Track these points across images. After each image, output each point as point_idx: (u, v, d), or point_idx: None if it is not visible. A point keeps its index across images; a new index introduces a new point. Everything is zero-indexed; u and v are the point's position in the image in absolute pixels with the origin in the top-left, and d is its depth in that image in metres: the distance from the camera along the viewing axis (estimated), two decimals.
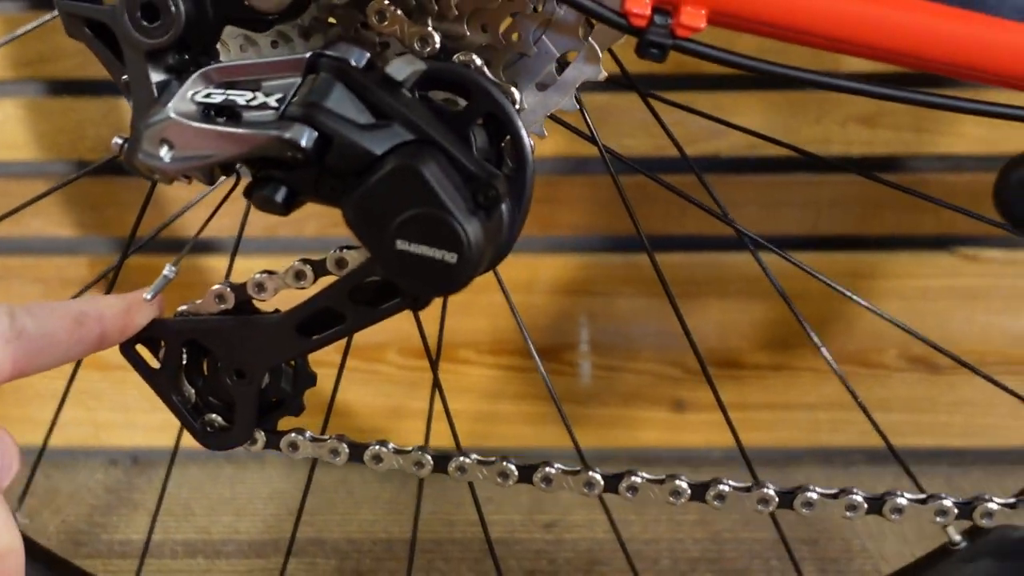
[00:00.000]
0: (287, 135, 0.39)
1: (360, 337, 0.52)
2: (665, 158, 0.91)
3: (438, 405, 0.66)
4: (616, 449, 1.11)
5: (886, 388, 1.08)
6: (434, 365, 0.65)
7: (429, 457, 0.57)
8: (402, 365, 1.09)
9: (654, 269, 0.64)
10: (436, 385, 0.64)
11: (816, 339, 0.71)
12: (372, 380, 1.09)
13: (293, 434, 0.55)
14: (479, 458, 0.57)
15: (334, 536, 0.98)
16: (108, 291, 0.69)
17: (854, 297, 0.64)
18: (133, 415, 1.12)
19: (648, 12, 0.40)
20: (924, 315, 1.04)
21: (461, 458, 0.57)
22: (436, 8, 0.46)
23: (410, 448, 0.57)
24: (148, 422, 1.11)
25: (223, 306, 0.51)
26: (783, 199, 1.02)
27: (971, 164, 0.96)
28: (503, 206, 0.42)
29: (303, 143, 0.38)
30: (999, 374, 1.05)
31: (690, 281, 1.04)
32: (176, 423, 0.54)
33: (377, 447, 0.56)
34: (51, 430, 0.77)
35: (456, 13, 0.47)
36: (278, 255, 1.00)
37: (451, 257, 0.39)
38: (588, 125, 0.55)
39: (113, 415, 1.13)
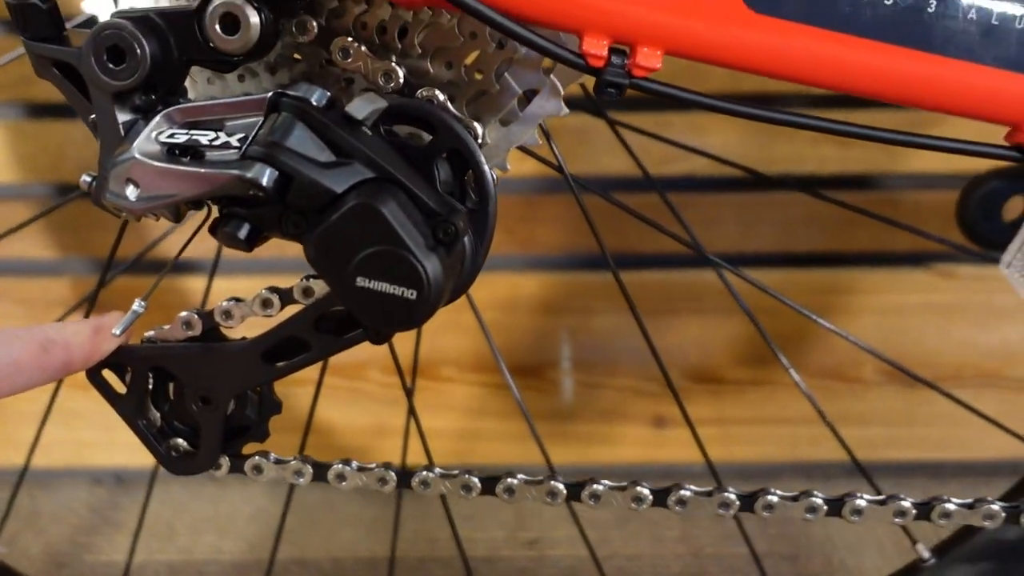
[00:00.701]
0: (248, 175, 0.39)
1: (341, 355, 0.53)
2: (642, 178, 0.92)
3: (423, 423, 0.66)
4: (597, 465, 1.11)
5: (863, 402, 1.09)
6: (409, 391, 0.66)
7: (392, 473, 0.57)
8: (384, 383, 1.09)
9: (619, 286, 0.65)
10: (411, 412, 0.65)
11: (784, 359, 0.73)
12: (354, 398, 1.09)
13: (257, 457, 0.55)
14: (442, 471, 0.58)
15: (317, 555, 0.99)
16: (87, 314, 0.69)
17: (814, 317, 0.65)
18: (116, 434, 1.10)
19: (605, 53, 0.41)
20: (901, 331, 1.05)
21: (424, 472, 0.57)
22: (399, 46, 0.47)
23: (373, 465, 0.58)
24: (131, 441, 1.10)
25: (190, 333, 0.51)
26: (759, 217, 1.03)
27: (942, 182, 0.98)
28: (464, 240, 0.42)
29: (264, 182, 0.39)
30: (975, 387, 1.07)
31: (669, 298, 1.05)
32: None
33: (340, 466, 0.57)
34: (33, 450, 0.78)
35: (419, 51, 0.48)
36: (260, 276, 1.01)
37: (411, 294, 0.40)
38: (555, 154, 0.56)
39: (96, 434, 1.13)
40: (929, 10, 0.40)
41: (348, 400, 1.09)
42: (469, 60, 0.49)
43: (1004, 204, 0.63)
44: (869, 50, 0.41)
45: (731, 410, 1.09)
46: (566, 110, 0.50)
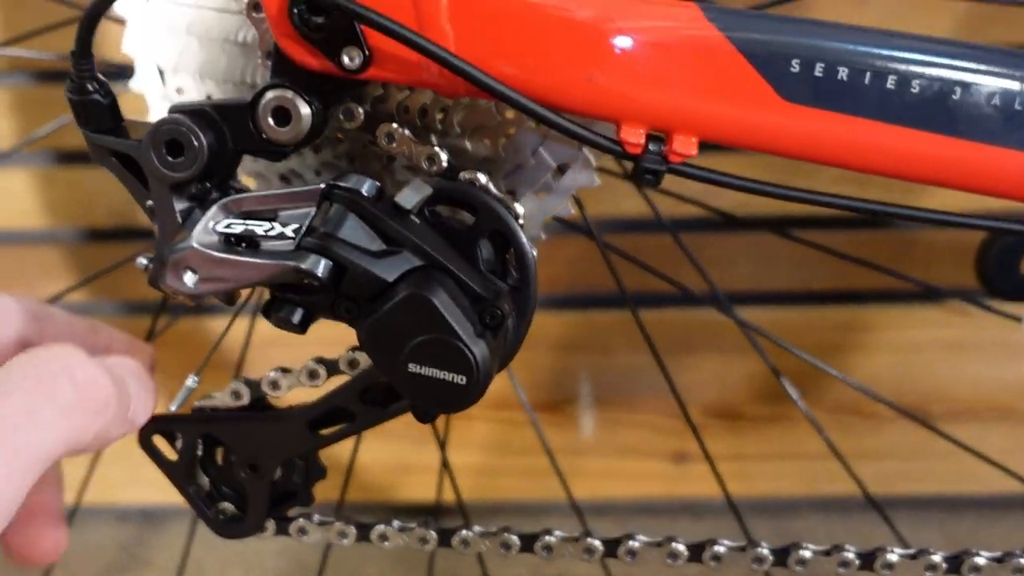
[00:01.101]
0: (304, 266, 0.41)
1: None
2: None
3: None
4: (616, 500, 1.13)
5: (879, 437, 1.10)
6: (442, 443, 0.67)
7: (433, 533, 0.59)
8: (408, 421, 1.10)
9: (637, 324, 0.67)
10: (444, 464, 0.66)
11: (794, 394, 0.74)
12: (380, 435, 1.10)
13: (301, 520, 0.57)
14: (481, 530, 0.59)
15: None
16: None
17: (815, 361, 0.66)
18: (142, 471, 1.13)
19: (642, 141, 0.43)
20: (915, 367, 1.06)
21: (464, 532, 0.59)
22: (440, 127, 0.49)
23: (414, 525, 0.59)
24: (158, 478, 1.12)
25: (239, 402, 0.53)
26: (776, 255, 1.04)
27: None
28: (508, 321, 0.44)
29: (319, 273, 0.41)
30: (989, 422, 1.08)
31: (687, 335, 1.07)
32: None
33: (382, 527, 0.58)
34: None
35: (459, 130, 0.49)
36: None
37: (460, 379, 0.41)
38: (586, 221, 0.57)
39: (121, 471, 1.14)
40: (954, 97, 0.42)
41: (373, 436, 1.10)
42: (505, 137, 0.50)
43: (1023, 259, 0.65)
44: (896, 135, 0.43)
45: (750, 446, 1.11)
46: (598, 181, 0.52)
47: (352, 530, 0.58)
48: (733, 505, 0.69)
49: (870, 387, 1.07)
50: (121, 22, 0.51)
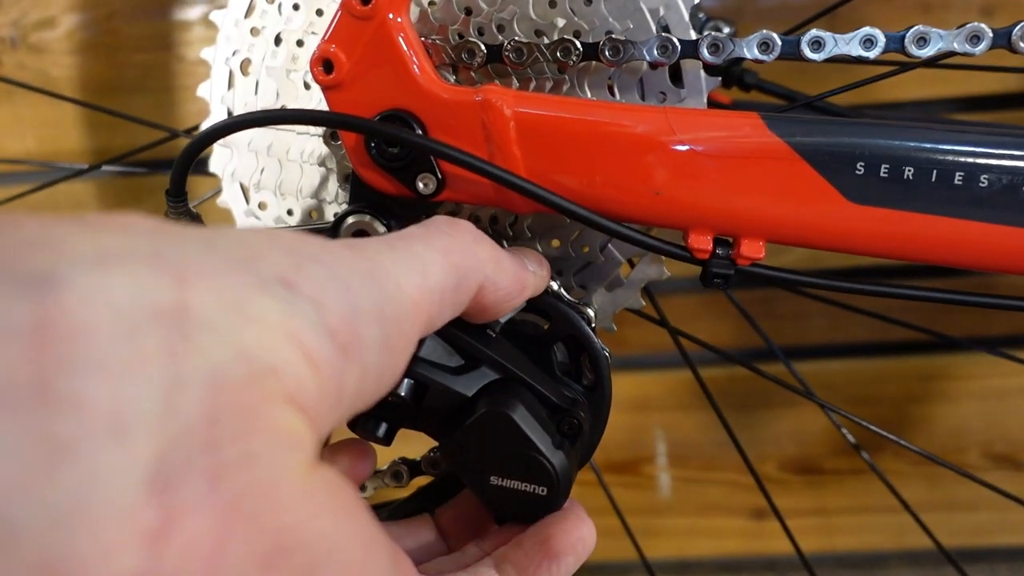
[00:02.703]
0: None
1: None
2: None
3: None
4: (699, 558, 1.12)
5: (970, 488, 1.06)
6: None
7: None
8: None
9: (699, 384, 0.67)
10: None
11: (867, 458, 0.73)
12: None
13: None
14: None
15: None
16: None
17: (869, 425, 0.65)
18: None
19: (710, 246, 0.44)
20: (1003, 415, 1.03)
21: None
22: (511, 233, 0.51)
23: None
24: None
25: None
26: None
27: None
28: (585, 426, 0.45)
29: (402, 393, 0.42)
30: None
31: (763, 391, 1.06)
32: None
33: None
34: None
35: (529, 234, 0.51)
36: None
37: (542, 491, 0.42)
38: (658, 311, 0.58)
39: None
40: None
41: None
42: (574, 236, 0.52)
43: None
44: (966, 229, 0.43)
45: (832, 500, 1.09)
46: (667, 273, 0.53)
47: None
48: (806, 562, 0.68)
49: (955, 436, 1.05)
50: None
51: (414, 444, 0.51)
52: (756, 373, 0.69)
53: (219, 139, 0.44)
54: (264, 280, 0.25)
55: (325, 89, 0.44)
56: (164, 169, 0.61)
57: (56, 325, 0.20)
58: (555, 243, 0.52)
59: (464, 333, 0.44)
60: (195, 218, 0.46)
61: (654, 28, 0.47)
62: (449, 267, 0.34)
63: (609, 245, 0.52)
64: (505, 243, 0.51)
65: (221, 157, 0.54)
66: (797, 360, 1.04)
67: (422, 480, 0.52)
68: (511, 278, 0.39)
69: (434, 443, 0.49)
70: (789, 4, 0.88)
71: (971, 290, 0.47)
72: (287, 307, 0.25)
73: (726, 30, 0.47)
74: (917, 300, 0.46)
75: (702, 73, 0.48)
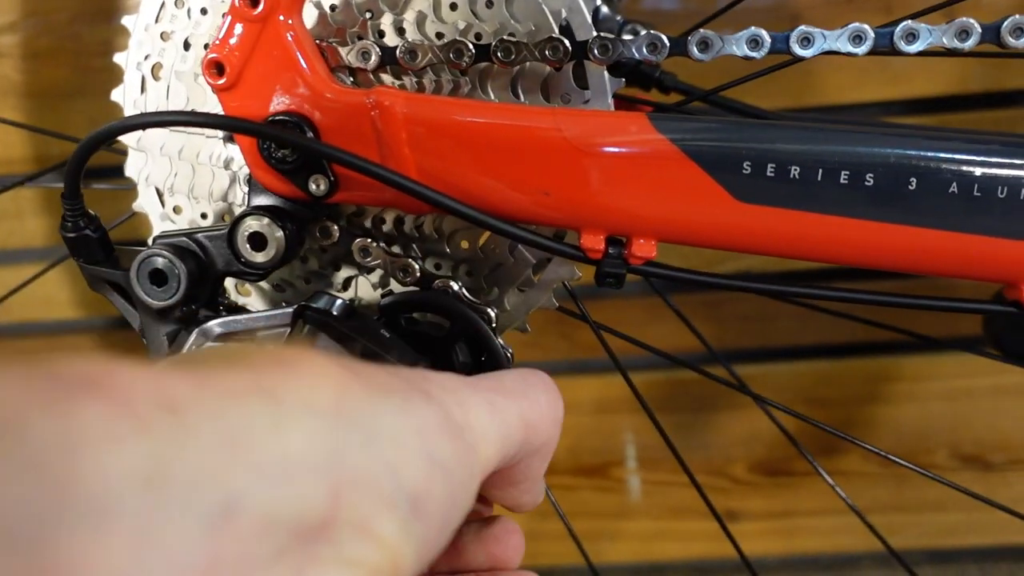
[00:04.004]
0: None
1: None
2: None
3: None
4: (669, 561, 1.11)
5: (939, 488, 1.05)
6: None
7: None
8: None
9: (633, 393, 0.66)
10: None
11: (809, 457, 0.73)
12: None
13: None
14: None
15: None
16: None
17: (824, 426, 0.65)
18: None
19: (602, 246, 0.44)
20: (971, 414, 1.02)
21: None
22: (417, 235, 0.51)
23: None
24: None
25: None
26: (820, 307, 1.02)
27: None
28: None
29: None
30: None
31: (729, 393, 1.05)
32: None
33: None
34: None
35: (436, 236, 0.51)
36: None
37: None
38: (580, 308, 0.58)
39: None
40: (910, 187, 0.41)
41: None
42: (483, 238, 0.52)
43: None
44: (853, 228, 0.42)
45: (803, 502, 1.08)
46: (579, 274, 0.52)
47: None
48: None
49: (922, 436, 1.04)
50: (123, 151, 0.55)
51: None
52: (697, 373, 0.69)
53: (110, 140, 0.44)
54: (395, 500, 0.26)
55: (217, 92, 0.44)
56: (95, 177, 0.61)
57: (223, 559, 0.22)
58: (464, 244, 0.52)
59: (356, 333, 0.44)
60: (92, 220, 0.46)
61: (556, 30, 0.47)
62: (520, 442, 0.34)
63: (519, 247, 0.52)
64: (414, 245, 0.51)
65: (136, 162, 0.54)
66: (763, 362, 1.04)
67: None
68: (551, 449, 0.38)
69: None
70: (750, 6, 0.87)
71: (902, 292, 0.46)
72: (404, 535, 0.27)
73: (642, 32, 0.47)
74: (839, 301, 0.46)
75: (606, 75, 0.48)
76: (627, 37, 0.46)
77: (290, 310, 0.45)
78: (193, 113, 0.49)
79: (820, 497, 1.08)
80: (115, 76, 0.90)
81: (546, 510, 1.12)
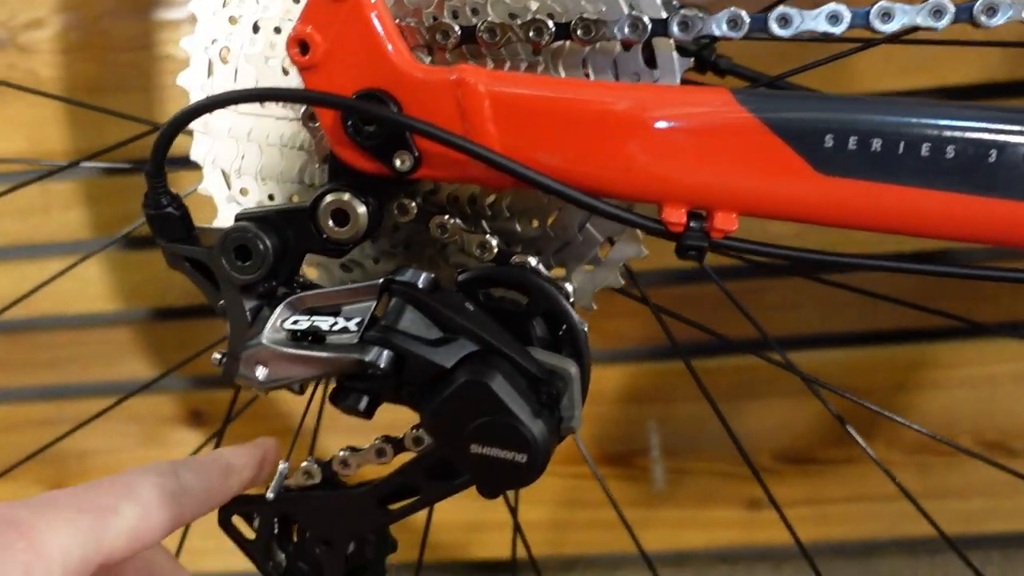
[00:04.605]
0: (367, 358, 0.43)
1: None
2: (722, 267, 0.94)
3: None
4: (694, 549, 1.12)
5: (962, 475, 1.07)
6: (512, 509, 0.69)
7: None
8: None
9: (692, 376, 0.67)
10: (516, 527, 0.67)
11: (862, 440, 0.74)
12: None
13: None
14: None
15: None
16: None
17: (870, 405, 0.66)
18: (223, 541, 1.17)
19: (684, 220, 0.44)
20: (993, 401, 1.04)
21: None
22: (490, 213, 0.51)
23: None
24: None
25: (311, 481, 0.55)
26: (843, 296, 1.03)
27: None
28: (564, 398, 0.46)
29: (381, 364, 0.43)
30: None
31: (753, 381, 1.06)
32: None
33: None
34: None
35: (508, 214, 0.52)
36: None
37: (521, 458, 0.43)
38: (639, 290, 0.59)
39: (205, 542, 1.18)
40: (990, 160, 0.42)
41: None
42: (553, 216, 0.52)
43: None
44: (934, 199, 0.43)
45: (826, 489, 1.09)
46: (646, 252, 0.53)
47: None
48: (805, 551, 0.69)
49: (946, 424, 1.05)
50: (189, 133, 0.55)
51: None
52: (748, 353, 0.70)
53: (200, 116, 0.45)
54: None
55: (302, 70, 0.45)
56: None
57: None
58: (534, 223, 0.52)
59: (441, 305, 0.44)
60: (174, 198, 0.46)
61: (625, 9, 0.48)
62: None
63: (588, 225, 0.52)
64: (484, 223, 0.51)
65: (202, 145, 0.54)
66: (789, 351, 1.05)
67: (406, 456, 0.53)
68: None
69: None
70: None
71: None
72: None
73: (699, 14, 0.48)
74: (910, 272, 0.47)
75: (674, 54, 0.49)
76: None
77: (377, 282, 0.45)
78: (283, 89, 0.49)
79: (845, 485, 1.09)
80: (143, 72, 0.91)
81: (574, 499, 1.13)
